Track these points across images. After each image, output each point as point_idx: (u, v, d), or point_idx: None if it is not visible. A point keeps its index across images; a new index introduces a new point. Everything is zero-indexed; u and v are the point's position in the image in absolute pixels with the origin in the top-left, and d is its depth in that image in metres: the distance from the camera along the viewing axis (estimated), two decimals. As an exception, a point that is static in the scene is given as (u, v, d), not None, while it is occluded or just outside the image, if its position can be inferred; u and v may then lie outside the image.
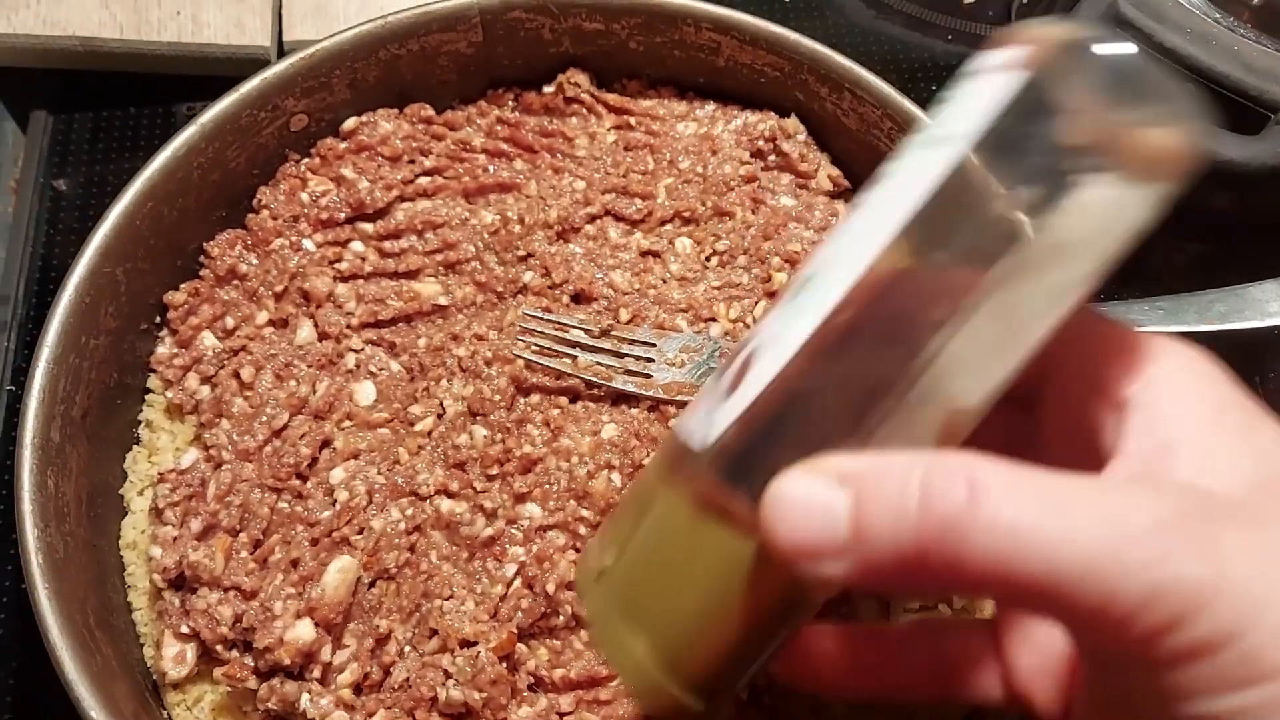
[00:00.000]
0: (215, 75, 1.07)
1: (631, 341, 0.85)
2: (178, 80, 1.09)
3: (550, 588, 0.75)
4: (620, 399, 0.83)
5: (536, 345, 0.84)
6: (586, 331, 0.85)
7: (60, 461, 0.72)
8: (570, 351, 0.84)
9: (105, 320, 0.79)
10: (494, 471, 0.80)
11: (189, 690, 0.76)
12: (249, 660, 0.74)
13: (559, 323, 0.85)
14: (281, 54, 1.09)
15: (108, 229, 0.79)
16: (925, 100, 0.90)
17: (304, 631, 0.73)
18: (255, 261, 0.89)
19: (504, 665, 0.73)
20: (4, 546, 0.87)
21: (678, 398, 0.82)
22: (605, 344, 0.85)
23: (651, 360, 0.84)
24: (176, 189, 0.84)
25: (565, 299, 0.89)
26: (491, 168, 0.96)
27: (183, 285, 0.87)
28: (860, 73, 0.92)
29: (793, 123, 0.96)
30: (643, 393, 0.82)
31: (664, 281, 0.90)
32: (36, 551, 0.66)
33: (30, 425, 0.70)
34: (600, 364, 0.84)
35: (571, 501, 0.79)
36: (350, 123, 0.94)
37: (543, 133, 0.97)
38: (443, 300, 0.89)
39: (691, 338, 0.85)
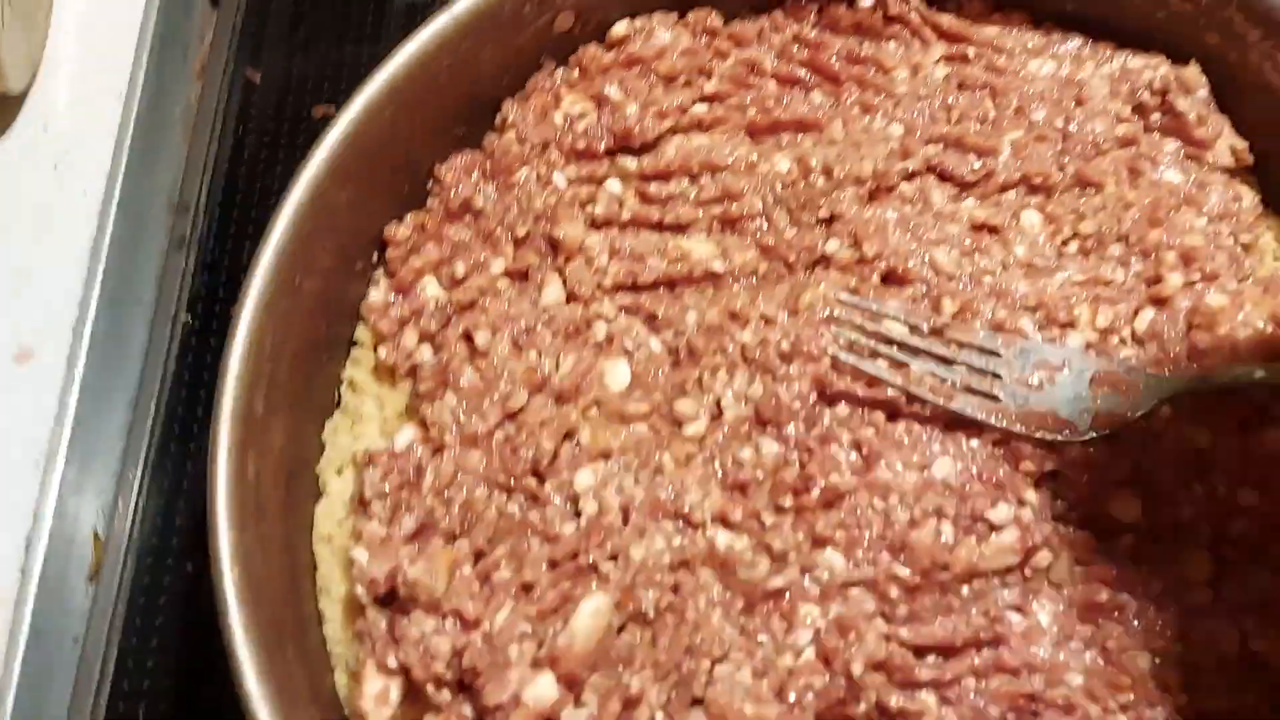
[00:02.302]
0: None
1: (972, 347, 0.65)
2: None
3: (856, 668, 0.58)
4: (956, 423, 0.63)
5: (850, 339, 0.65)
6: (913, 328, 0.66)
7: (262, 439, 0.57)
8: (896, 355, 0.64)
9: (321, 256, 0.63)
10: (787, 503, 0.62)
11: (388, 732, 0.61)
12: (467, 709, 0.58)
13: (878, 313, 0.66)
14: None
15: (336, 139, 0.62)
16: None
17: (545, 690, 0.57)
18: (494, 194, 0.72)
19: (798, 770, 0.56)
20: (172, 512, 0.73)
21: (1038, 433, 0.62)
22: (935, 347, 0.65)
23: (998, 377, 0.64)
24: (419, 93, 0.66)
25: (875, 278, 0.69)
26: (785, 99, 0.75)
27: (407, 216, 0.71)
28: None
29: (1193, 73, 0.73)
30: (992, 421, 0.62)
31: (1004, 267, 0.69)
32: (232, 563, 0.51)
33: (232, 392, 0.54)
34: (935, 374, 0.64)
35: (885, 554, 0.60)
36: (621, 27, 0.75)
37: (851, 58, 0.77)
38: (718, 266, 0.70)
39: (1050, 350, 0.65)
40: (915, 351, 0.65)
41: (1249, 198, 0.72)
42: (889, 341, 0.65)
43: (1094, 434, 0.62)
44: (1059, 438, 0.62)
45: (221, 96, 0.87)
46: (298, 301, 0.61)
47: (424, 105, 0.67)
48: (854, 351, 0.65)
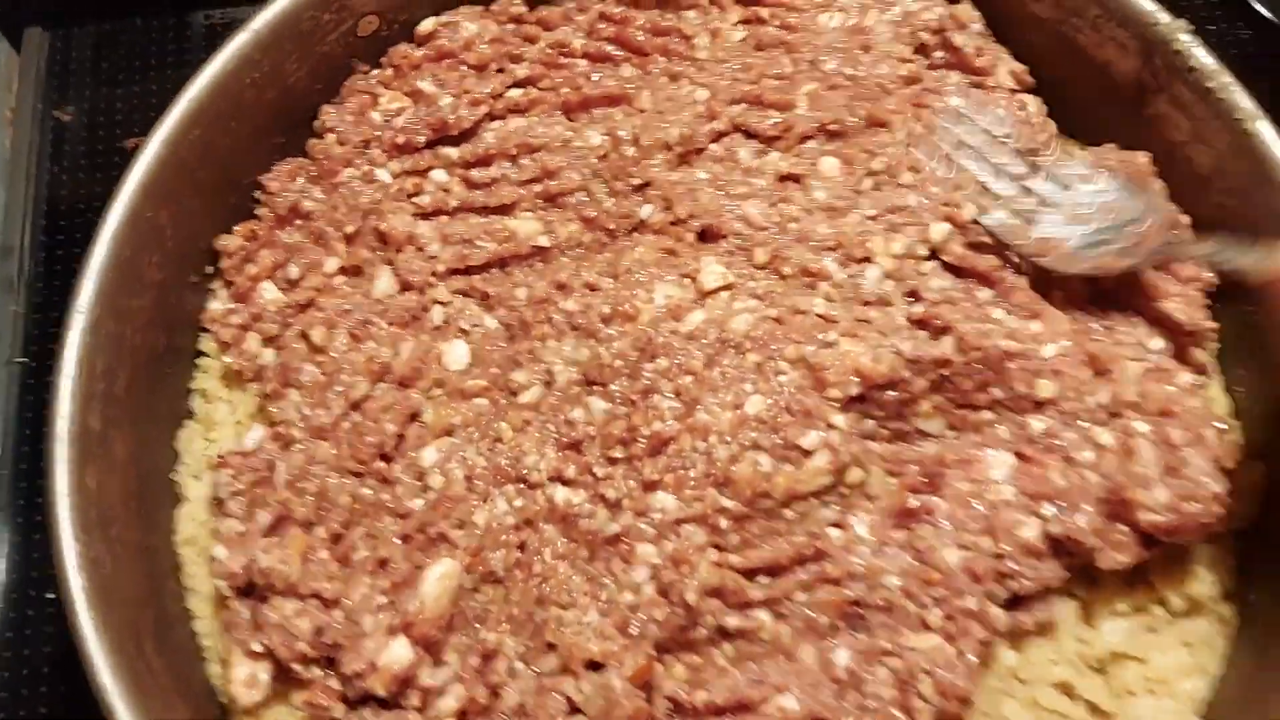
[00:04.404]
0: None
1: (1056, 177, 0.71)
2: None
3: (690, 597, 0.62)
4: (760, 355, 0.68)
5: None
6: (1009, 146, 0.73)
7: (103, 453, 0.60)
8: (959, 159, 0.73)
9: (149, 273, 0.66)
10: (617, 454, 0.66)
11: (262, 716, 0.64)
12: (334, 683, 0.62)
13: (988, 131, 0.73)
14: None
15: (148, 163, 0.65)
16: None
17: (400, 653, 0.61)
18: (321, 196, 0.75)
19: (641, 694, 0.61)
20: (31, 551, 0.75)
21: (1042, 260, 0.69)
22: (1017, 166, 0.72)
23: (1057, 206, 0.70)
24: (227, 111, 0.69)
25: (690, 237, 0.74)
26: (595, 75, 0.79)
27: (237, 227, 0.74)
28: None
29: (966, 9, 0.78)
30: (1007, 239, 0.69)
31: (807, 212, 0.74)
32: (78, 571, 0.54)
33: (64, 413, 0.58)
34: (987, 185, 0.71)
35: (711, 490, 0.65)
36: (428, 24, 0.78)
37: (655, 30, 0.81)
38: (544, 240, 0.74)
39: (1118, 194, 0.69)
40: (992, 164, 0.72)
41: (1034, 104, 0.78)
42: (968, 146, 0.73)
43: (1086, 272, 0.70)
44: (1051, 265, 0.69)
45: (33, 139, 0.88)
46: (127, 320, 0.64)
47: (234, 121, 0.70)
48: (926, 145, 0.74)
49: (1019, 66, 0.78)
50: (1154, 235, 0.67)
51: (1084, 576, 0.68)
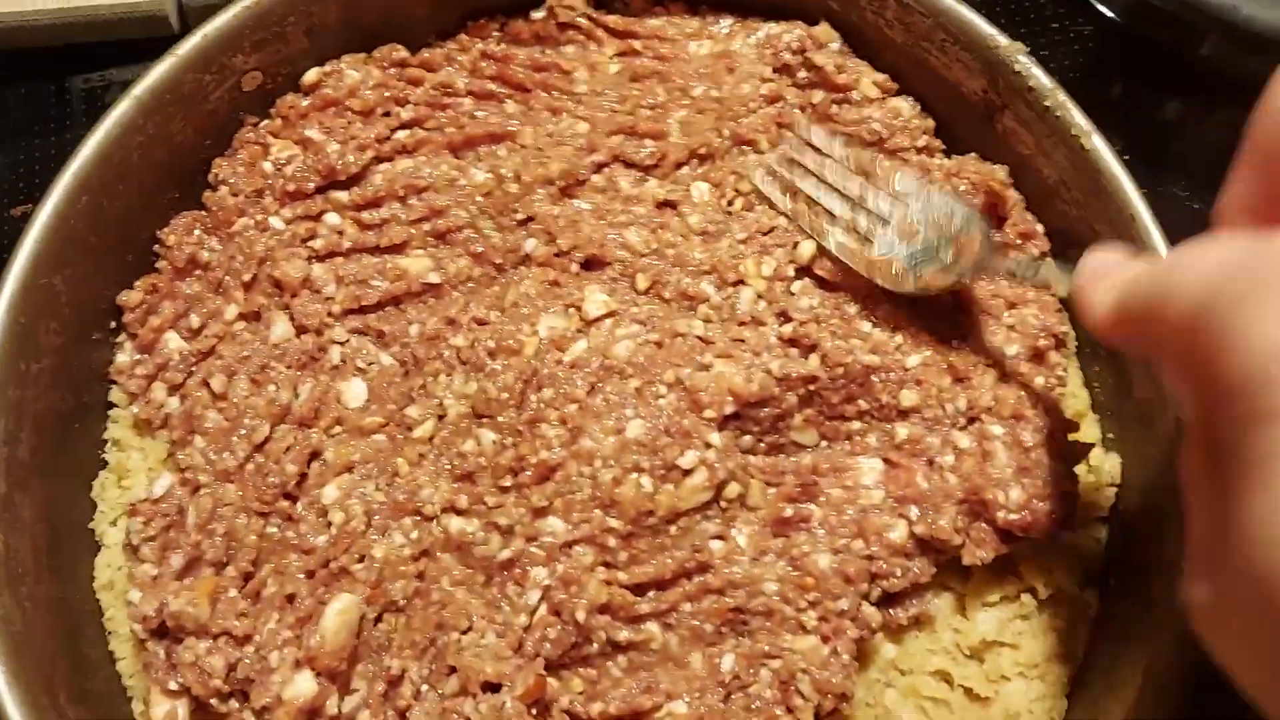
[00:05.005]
0: (110, 40, 0.92)
1: (884, 192, 0.74)
2: (66, 51, 0.93)
3: (580, 615, 0.66)
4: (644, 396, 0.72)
5: (772, 166, 0.78)
6: (845, 167, 0.76)
7: (9, 515, 0.63)
8: (800, 184, 0.76)
9: (47, 339, 0.69)
10: (507, 482, 0.70)
11: (186, 747, 0.68)
12: (249, 715, 0.66)
13: (816, 147, 0.77)
14: (181, 9, 0.94)
15: (37, 235, 0.68)
16: (991, 11, 0.76)
17: (304, 687, 0.64)
18: (218, 246, 0.78)
19: (534, 712, 0.65)
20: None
21: (878, 280, 0.72)
22: (851, 186, 0.75)
23: (887, 223, 0.73)
24: (114, 176, 0.72)
25: (575, 267, 0.77)
26: (479, 113, 0.82)
27: (138, 282, 0.76)
28: (907, -25, 0.77)
29: (824, 30, 0.81)
30: (848, 261, 0.73)
31: (684, 238, 0.78)
32: (-14, 633, 0.58)
33: (-34, 481, 0.61)
34: (826, 208, 0.75)
35: (597, 511, 0.69)
36: (312, 74, 0.81)
37: (535, 66, 0.84)
38: (434, 277, 0.77)
39: (945, 206, 0.71)
40: (829, 186, 0.76)
41: (906, 105, 0.81)
42: (809, 172, 0.76)
43: (915, 292, 0.72)
44: (889, 288, 0.72)
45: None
46: (28, 385, 0.67)
47: (123, 184, 0.72)
48: (772, 176, 0.77)
49: (880, 76, 0.81)
50: (972, 248, 0.69)
51: (958, 571, 0.73)
